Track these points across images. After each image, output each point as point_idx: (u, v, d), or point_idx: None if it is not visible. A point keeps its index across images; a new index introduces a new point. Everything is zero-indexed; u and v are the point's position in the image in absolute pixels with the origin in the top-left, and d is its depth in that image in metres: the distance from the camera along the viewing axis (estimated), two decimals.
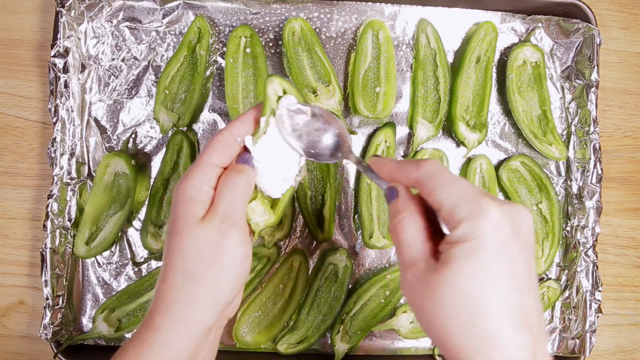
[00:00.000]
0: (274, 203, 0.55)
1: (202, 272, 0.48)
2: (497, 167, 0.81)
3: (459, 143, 0.81)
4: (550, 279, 0.81)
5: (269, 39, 0.81)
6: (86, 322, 0.78)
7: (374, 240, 0.78)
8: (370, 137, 0.81)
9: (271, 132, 0.52)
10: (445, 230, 0.46)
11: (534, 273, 0.43)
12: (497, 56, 0.82)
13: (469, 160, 0.81)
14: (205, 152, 0.51)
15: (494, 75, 0.82)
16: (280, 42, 0.81)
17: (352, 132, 0.80)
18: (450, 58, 0.82)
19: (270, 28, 0.81)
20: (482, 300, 0.40)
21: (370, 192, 0.78)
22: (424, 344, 0.80)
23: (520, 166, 0.80)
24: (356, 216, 0.80)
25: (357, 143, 0.81)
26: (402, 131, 0.82)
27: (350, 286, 0.79)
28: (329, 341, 0.78)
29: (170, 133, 0.79)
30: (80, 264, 0.79)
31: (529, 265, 0.43)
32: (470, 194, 0.43)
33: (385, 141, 0.79)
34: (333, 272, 0.78)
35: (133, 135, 0.80)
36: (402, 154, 0.82)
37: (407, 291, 0.45)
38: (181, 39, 0.81)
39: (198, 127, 0.80)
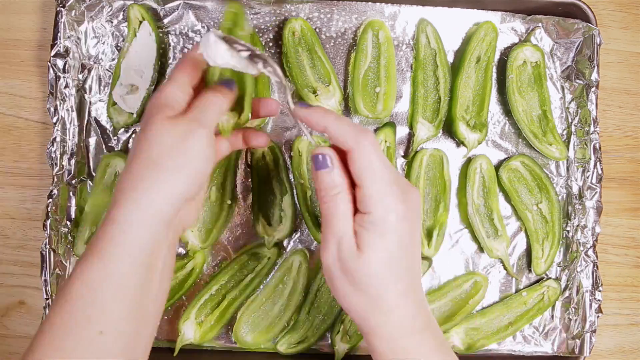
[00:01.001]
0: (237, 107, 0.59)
1: (164, 160, 0.50)
2: (497, 167, 0.81)
3: (459, 143, 0.81)
4: (550, 278, 0.81)
5: (269, 39, 0.81)
6: None
7: None
8: None
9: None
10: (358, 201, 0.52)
11: (419, 246, 0.55)
12: (497, 56, 0.82)
13: (469, 160, 0.81)
14: (177, 69, 0.55)
15: (494, 75, 0.82)
16: (280, 42, 0.81)
17: None
18: (450, 58, 0.82)
19: (270, 28, 0.81)
20: (387, 279, 0.51)
21: None
22: None
23: (521, 166, 0.80)
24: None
25: None
26: (402, 131, 0.82)
27: None
28: (329, 341, 0.78)
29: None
30: None
31: (418, 243, 0.54)
32: (388, 188, 0.51)
33: (385, 141, 0.79)
34: None
35: (133, 136, 0.80)
36: (402, 154, 0.81)
37: (328, 265, 0.52)
38: (182, 39, 0.81)
39: None
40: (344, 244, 0.51)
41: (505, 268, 0.80)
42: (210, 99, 0.54)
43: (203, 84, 0.58)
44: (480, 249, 0.80)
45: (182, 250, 0.79)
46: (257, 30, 0.80)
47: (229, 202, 0.78)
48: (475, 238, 0.80)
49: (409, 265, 0.52)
